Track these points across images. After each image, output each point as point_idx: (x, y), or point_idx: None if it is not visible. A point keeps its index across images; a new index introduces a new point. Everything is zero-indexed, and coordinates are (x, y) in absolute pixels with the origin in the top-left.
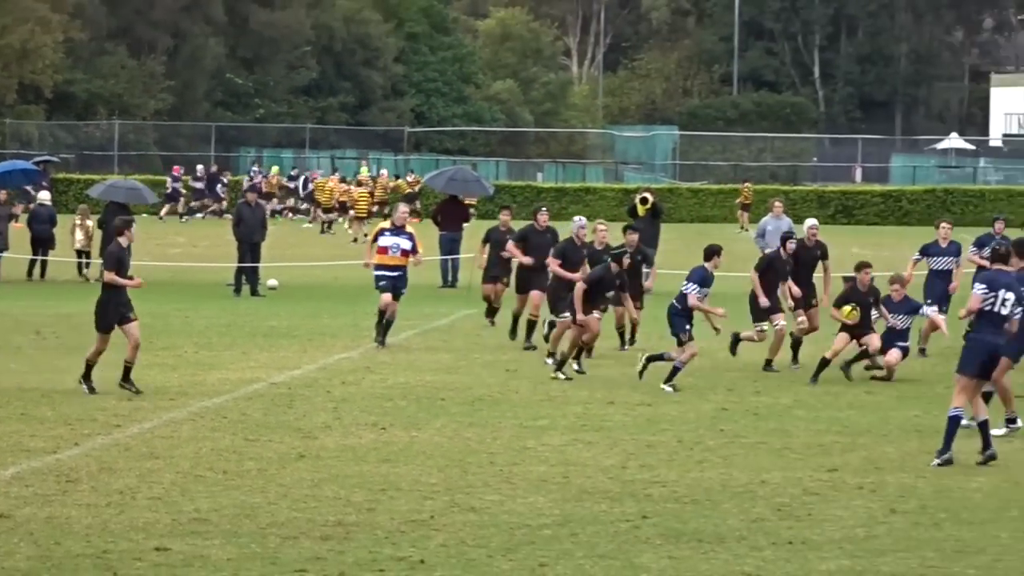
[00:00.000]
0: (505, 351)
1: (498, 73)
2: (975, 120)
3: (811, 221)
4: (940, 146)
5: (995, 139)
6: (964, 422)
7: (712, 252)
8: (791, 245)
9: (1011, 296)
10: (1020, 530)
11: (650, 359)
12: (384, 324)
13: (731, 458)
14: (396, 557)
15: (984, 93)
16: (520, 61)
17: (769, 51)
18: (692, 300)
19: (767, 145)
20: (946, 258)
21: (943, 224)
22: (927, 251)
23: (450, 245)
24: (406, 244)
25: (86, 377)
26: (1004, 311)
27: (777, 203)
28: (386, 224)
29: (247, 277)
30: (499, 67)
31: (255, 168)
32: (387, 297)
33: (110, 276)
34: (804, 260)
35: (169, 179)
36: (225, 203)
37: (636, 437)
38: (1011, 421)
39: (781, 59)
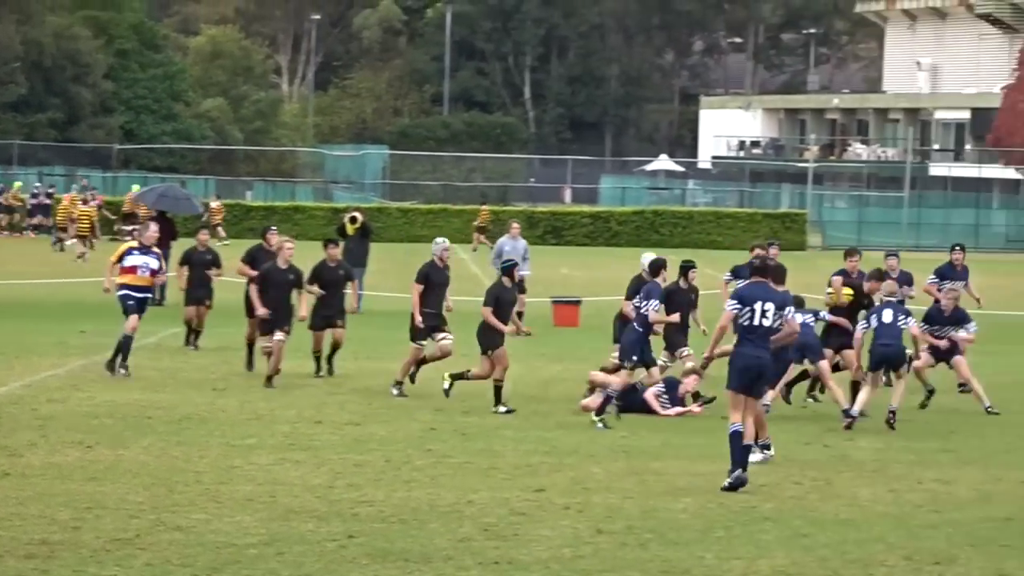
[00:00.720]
0: (212, 370)
1: (208, 91)
2: (684, 142)
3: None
4: (649, 168)
5: (704, 161)
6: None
7: (659, 266)
8: (692, 274)
9: (771, 305)
10: (725, 551)
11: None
12: (123, 346)
13: (439, 478)
14: None
15: (693, 115)
16: (230, 79)
17: (480, 71)
18: (652, 315)
19: (478, 165)
20: None
21: (771, 248)
22: (738, 274)
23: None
24: (154, 263)
25: None
26: (767, 322)
27: (514, 224)
28: (133, 244)
29: None
30: (209, 85)
31: None
32: (135, 320)
33: None
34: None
35: None
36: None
37: (344, 456)
38: (766, 447)
39: (492, 79)
